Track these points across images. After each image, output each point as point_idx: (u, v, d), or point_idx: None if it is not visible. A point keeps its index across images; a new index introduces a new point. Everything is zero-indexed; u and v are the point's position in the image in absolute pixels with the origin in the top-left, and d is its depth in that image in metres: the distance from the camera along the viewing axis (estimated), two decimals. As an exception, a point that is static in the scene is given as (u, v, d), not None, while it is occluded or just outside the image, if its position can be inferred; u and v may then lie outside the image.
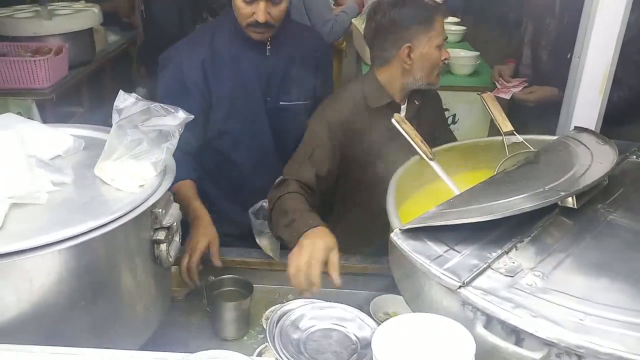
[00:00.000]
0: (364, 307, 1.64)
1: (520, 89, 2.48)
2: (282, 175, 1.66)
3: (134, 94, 1.17)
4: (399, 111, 1.75)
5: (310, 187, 1.60)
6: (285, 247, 1.54)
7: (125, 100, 1.17)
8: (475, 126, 2.74)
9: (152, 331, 1.24)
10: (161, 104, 1.20)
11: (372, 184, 1.65)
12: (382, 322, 1.52)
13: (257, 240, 1.71)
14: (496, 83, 2.66)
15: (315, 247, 1.32)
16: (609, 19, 1.39)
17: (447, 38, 1.69)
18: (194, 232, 1.59)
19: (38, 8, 3.02)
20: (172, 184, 1.19)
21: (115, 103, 1.15)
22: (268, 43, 1.77)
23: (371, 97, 1.72)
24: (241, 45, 1.77)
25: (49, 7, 3.05)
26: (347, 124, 1.68)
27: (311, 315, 1.10)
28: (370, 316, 1.52)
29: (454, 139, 1.72)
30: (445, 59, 1.69)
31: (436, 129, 1.82)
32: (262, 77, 1.80)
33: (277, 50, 1.80)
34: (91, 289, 1.04)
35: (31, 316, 0.97)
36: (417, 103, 1.76)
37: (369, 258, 1.75)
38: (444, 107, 2.85)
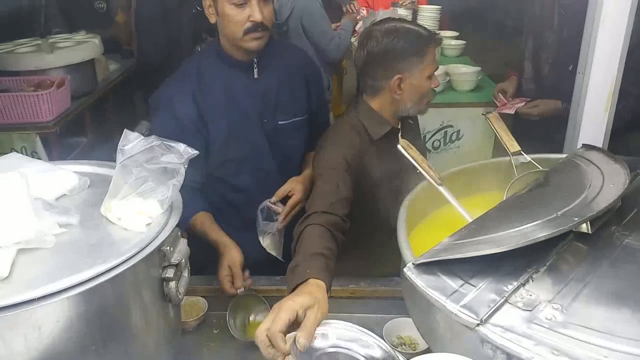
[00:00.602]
0: (375, 330, 1.62)
1: (523, 104, 2.46)
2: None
3: (136, 133, 1.17)
4: (397, 135, 1.74)
5: (344, 221, 1.47)
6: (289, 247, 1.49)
7: (129, 140, 1.16)
8: (480, 142, 2.73)
9: (164, 369, 1.23)
10: (164, 142, 1.19)
11: (379, 211, 1.65)
12: (395, 346, 1.52)
13: (260, 240, 1.72)
14: (495, 101, 2.63)
15: (282, 308, 1.10)
16: (611, 34, 1.38)
17: (437, 68, 1.66)
18: (219, 261, 1.65)
19: (39, 41, 3.03)
20: (184, 220, 1.18)
21: (119, 143, 1.15)
22: (255, 65, 1.77)
23: (372, 128, 1.70)
24: (229, 72, 1.77)
25: (50, 40, 3.06)
26: (359, 156, 1.66)
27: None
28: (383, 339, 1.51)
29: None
30: (435, 87, 1.67)
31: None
32: (255, 100, 1.80)
33: (266, 71, 1.80)
34: (101, 332, 1.02)
35: (41, 364, 0.96)
36: (411, 122, 1.76)
37: (379, 281, 1.74)
38: (448, 123, 2.86)
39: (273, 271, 1.74)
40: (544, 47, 2.39)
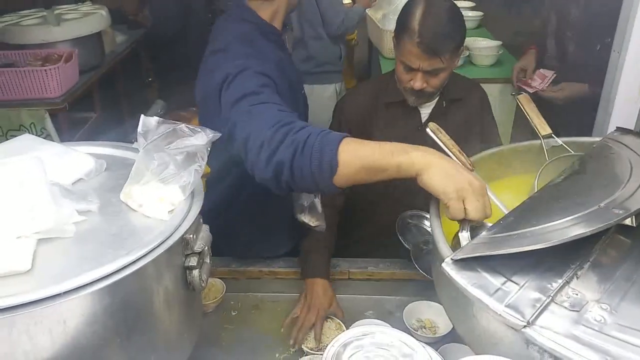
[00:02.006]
0: (395, 313, 1.62)
1: (546, 84, 2.36)
2: None
3: (155, 118, 1.12)
4: (416, 109, 1.73)
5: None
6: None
7: (148, 125, 1.12)
8: (499, 119, 2.64)
9: (187, 356, 1.21)
10: (186, 125, 1.15)
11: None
12: (415, 329, 1.51)
13: (301, 217, 1.57)
14: (516, 84, 2.52)
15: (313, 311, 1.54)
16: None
17: (414, 67, 1.59)
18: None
19: (44, 13, 2.95)
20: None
21: (138, 129, 1.11)
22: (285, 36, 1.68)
23: (385, 91, 1.73)
24: (270, 44, 1.61)
25: (56, 12, 2.97)
26: (362, 117, 1.73)
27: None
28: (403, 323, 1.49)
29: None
30: (410, 87, 1.62)
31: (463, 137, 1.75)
32: (294, 69, 1.74)
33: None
34: (126, 324, 1.00)
35: (67, 358, 0.93)
36: (444, 105, 1.71)
37: (397, 264, 1.72)
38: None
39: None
40: (569, 24, 2.28)
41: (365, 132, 1.76)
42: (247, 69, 1.36)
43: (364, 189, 1.73)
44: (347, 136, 1.16)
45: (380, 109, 1.75)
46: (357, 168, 1.12)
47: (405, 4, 1.63)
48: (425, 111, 1.74)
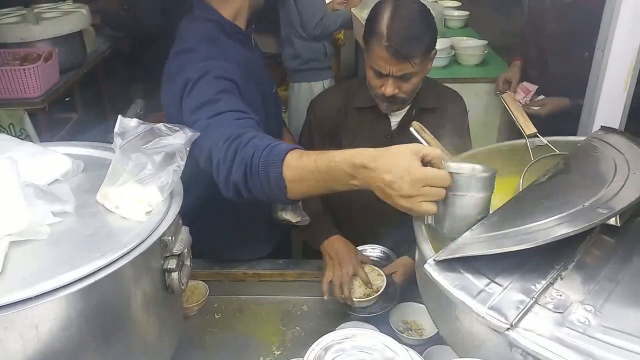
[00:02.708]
0: (381, 315, 1.60)
1: (529, 98, 2.36)
2: None
3: (133, 119, 1.10)
4: (386, 116, 1.70)
5: None
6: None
7: (125, 125, 1.09)
8: (485, 119, 2.65)
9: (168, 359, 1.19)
10: (163, 124, 1.12)
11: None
12: (400, 332, 1.49)
13: (282, 215, 1.57)
14: (498, 93, 2.52)
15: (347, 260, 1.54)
16: (635, 8, 1.31)
17: (384, 73, 1.55)
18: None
19: (24, 11, 2.89)
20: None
21: (115, 127, 1.08)
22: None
23: (357, 95, 1.70)
24: (234, 44, 1.60)
25: (35, 10, 2.92)
26: (331, 117, 1.72)
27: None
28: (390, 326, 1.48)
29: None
30: (379, 92, 1.59)
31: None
32: (261, 68, 1.74)
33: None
34: (101, 328, 0.97)
35: (39, 364, 0.90)
36: (414, 113, 1.68)
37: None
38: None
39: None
40: (550, 36, 2.28)
41: (335, 134, 1.74)
42: (207, 74, 1.36)
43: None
44: (292, 149, 1.14)
45: (351, 113, 1.72)
46: (307, 185, 1.12)
47: (374, 7, 1.58)
48: (396, 119, 1.70)
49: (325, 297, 1.54)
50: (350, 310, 1.57)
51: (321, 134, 1.76)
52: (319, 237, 1.65)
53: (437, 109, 1.69)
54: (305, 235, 1.72)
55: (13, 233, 0.96)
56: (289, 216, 1.56)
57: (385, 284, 1.55)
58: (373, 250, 1.74)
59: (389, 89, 1.53)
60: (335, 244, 1.61)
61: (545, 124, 2.13)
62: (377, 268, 1.61)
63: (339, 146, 1.72)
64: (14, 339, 0.86)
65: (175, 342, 1.22)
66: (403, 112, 1.69)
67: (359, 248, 1.67)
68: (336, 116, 1.73)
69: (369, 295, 1.53)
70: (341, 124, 1.72)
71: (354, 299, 1.51)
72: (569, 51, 2.09)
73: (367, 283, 1.55)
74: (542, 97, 2.37)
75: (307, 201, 1.61)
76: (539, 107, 2.31)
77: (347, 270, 1.54)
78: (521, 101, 2.35)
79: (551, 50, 2.30)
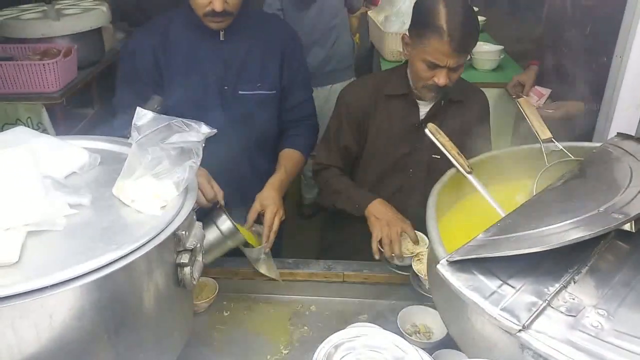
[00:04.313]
0: (389, 317, 1.59)
1: (543, 102, 2.35)
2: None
3: (150, 112, 1.11)
4: (416, 105, 1.75)
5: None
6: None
7: (143, 117, 1.10)
8: (500, 124, 2.63)
9: (177, 355, 1.19)
10: (181, 119, 1.13)
11: (382, 173, 1.77)
12: (409, 334, 1.49)
13: (256, 267, 1.65)
14: (509, 94, 2.51)
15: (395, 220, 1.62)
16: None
17: (440, 65, 1.58)
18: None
19: (45, 7, 2.93)
20: None
21: (133, 121, 1.09)
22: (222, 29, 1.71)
23: (389, 83, 1.74)
24: (195, 31, 1.72)
25: (56, 7, 2.96)
26: (364, 106, 1.75)
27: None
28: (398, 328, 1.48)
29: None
30: (435, 83, 1.61)
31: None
32: (217, 64, 1.74)
33: (234, 36, 1.74)
34: (114, 320, 0.98)
35: (53, 353, 0.91)
36: (442, 104, 1.70)
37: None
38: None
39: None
40: (568, 39, 2.26)
41: (363, 122, 1.78)
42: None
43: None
44: None
45: (380, 101, 1.76)
46: None
47: (420, 2, 1.64)
48: (424, 109, 1.73)
49: (377, 257, 1.62)
50: (391, 267, 1.65)
51: (349, 121, 1.80)
52: (362, 202, 1.71)
53: (462, 102, 1.74)
54: (346, 204, 1.78)
55: (30, 223, 0.98)
56: (264, 269, 1.63)
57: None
58: None
59: (442, 79, 1.58)
60: (379, 207, 1.68)
61: (559, 127, 2.13)
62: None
63: (366, 133, 1.78)
64: (29, 327, 0.87)
65: (186, 337, 1.23)
66: (432, 102, 1.73)
67: None
68: (367, 104, 1.77)
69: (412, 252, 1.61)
70: (371, 112, 1.76)
71: (404, 256, 1.59)
72: (587, 56, 2.07)
73: (416, 241, 1.61)
74: (556, 102, 2.36)
75: (332, 181, 1.82)
76: (552, 110, 2.30)
77: (396, 229, 1.60)
78: (534, 104, 2.33)
79: (570, 55, 2.28)
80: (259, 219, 1.69)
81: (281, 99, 1.87)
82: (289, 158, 1.85)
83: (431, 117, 1.72)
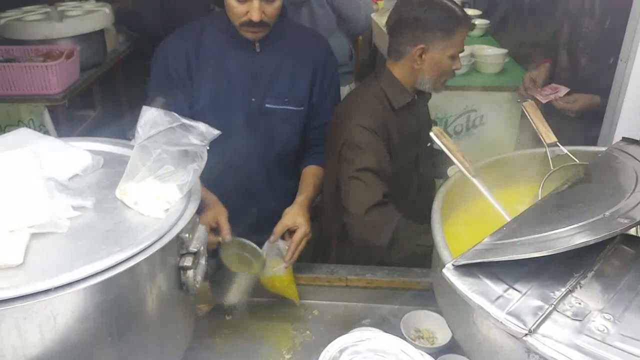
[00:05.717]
0: (392, 322, 1.59)
1: (560, 94, 2.33)
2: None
3: (156, 111, 1.10)
4: (415, 106, 1.76)
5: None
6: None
7: (148, 118, 1.10)
8: (504, 127, 2.63)
9: (179, 359, 1.19)
10: (185, 122, 1.13)
11: (395, 182, 1.71)
12: (412, 339, 1.48)
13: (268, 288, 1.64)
14: (524, 92, 2.48)
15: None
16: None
17: (462, 51, 1.67)
18: (202, 213, 1.58)
19: (47, 9, 2.94)
20: None
21: (138, 121, 1.09)
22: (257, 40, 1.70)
23: (394, 96, 1.72)
24: (229, 41, 1.71)
25: (59, 9, 2.96)
26: (383, 125, 1.69)
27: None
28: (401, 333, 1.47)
29: None
30: (456, 69, 1.68)
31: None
32: (247, 75, 1.73)
33: (269, 48, 1.72)
34: (117, 322, 0.98)
35: (56, 355, 0.91)
36: (419, 99, 1.78)
37: (396, 271, 1.69)
38: (472, 107, 2.80)
39: None
40: (582, 36, 2.24)
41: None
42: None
43: None
44: None
45: (392, 117, 1.75)
46: None
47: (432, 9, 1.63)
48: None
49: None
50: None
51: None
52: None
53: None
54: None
55: (34, 225, 0.98)
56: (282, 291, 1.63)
57: None
58: None
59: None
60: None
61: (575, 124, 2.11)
62: None
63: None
64: (33, 328, 0.87)
65: (188, 340, 1.22)
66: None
67: None
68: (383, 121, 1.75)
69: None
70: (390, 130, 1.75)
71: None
72: (601, 54, 2.06)
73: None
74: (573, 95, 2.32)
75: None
76: (569, 104, 2.28)
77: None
78: (550, 97, 2.32)
79: (584, 52, 2.27)
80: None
81: (308, 116, 1.83)
82: (317, 176, 1.81)
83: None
